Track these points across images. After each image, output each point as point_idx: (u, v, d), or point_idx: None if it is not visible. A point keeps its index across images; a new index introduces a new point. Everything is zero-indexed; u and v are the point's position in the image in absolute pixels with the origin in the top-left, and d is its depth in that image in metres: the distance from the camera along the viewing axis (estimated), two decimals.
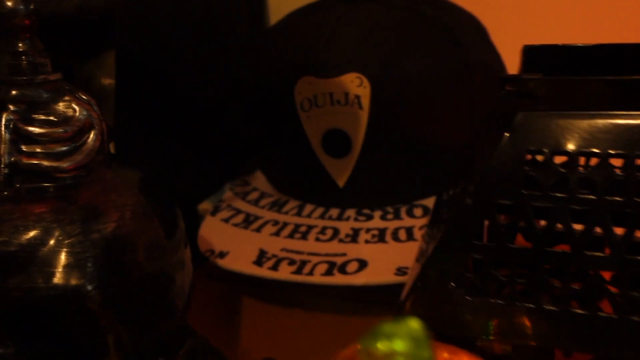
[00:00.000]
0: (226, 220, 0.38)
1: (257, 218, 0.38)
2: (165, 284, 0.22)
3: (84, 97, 0.21)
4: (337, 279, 0.30)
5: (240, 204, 0.40)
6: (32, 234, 0.18)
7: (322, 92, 0.34)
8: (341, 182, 0.36)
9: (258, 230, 0.36)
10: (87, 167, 0.20)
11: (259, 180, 0.43)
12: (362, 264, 0.31)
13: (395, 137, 0.34)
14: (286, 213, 0.38)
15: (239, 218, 0.38)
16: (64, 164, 0.20)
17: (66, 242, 0.18)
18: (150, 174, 0.25)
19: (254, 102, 0.40)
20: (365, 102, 0.33)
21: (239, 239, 0.35)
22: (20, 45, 0.20)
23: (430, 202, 0.35)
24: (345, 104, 0.34)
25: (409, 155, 0.35)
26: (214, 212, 0.39)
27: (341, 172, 0.36)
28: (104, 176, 0.21)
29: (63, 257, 0.18)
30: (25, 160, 0.19)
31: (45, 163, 0.19)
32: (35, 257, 0.18)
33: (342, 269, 0.31)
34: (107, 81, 0.40)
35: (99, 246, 0.19)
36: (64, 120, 0.20)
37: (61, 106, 0.20)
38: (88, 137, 0.20)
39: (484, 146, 0.21)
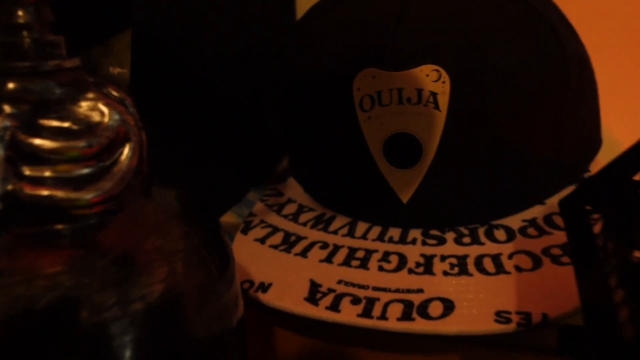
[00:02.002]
0: (262, 241, 0.32)
1: (299, 238, 0.31)
2: (223, 344, 0.16)
3: (115, 93, 0.14)
4: (420, 325, 0.24)
5: (275, 219, 0.33)
6: (41, 308, 0.12)
7: (389, 87, 0.27)
8: (405, 197, 0.29)
9: (303, 254, 0.30)
10: (120, 199, 0.14)
11: (294, 190, 0.36)
12: (448, 305, 0.24)
13: (477, 144, 0.28)
14: (335, 233, 0.31)
15: (277, 238, 0.32)
16: (87, 195, 0.13)
17: (95, 320, 0.12)
18: (186, 190, 0.18)
19: (293, 97, 0.33)
20: (444, 101, 0.27)
21: (281, 265, 0.29)
22: (20, 14, 0.13)
23: (512, 222, 0.29)
24: (418, 102, 0.27)
25: (491, 167, 0.28)
26: (245, 230, 0.33)
27: (406, 185, 0.29)
28: (142, 210, 0.14)
29: (90, 345, 0.12)
30: (28, 190, 0.13)
31: (59, 194, 0.13)
32: (46, 347, 0.11)
33: (423, 312, 0.24)
34: (117, 70, 0.33)
35: (143, 322, 0.12)
36: (87, 128, 0.13)
37: (83, 107, 0.13)
38: (122, 154, 0.14)
39: None
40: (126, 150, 0.13)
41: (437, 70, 0.27)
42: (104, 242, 0.13)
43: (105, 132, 0.13)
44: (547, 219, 0.29)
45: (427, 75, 0.27)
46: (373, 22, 0.28)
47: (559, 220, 0.29)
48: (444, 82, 0.27)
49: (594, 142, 0.34)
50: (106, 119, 0.13)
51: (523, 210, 0.30)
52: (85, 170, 0.13)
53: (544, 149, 0.29)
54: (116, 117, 0.13)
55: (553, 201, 0.30)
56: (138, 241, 0.13)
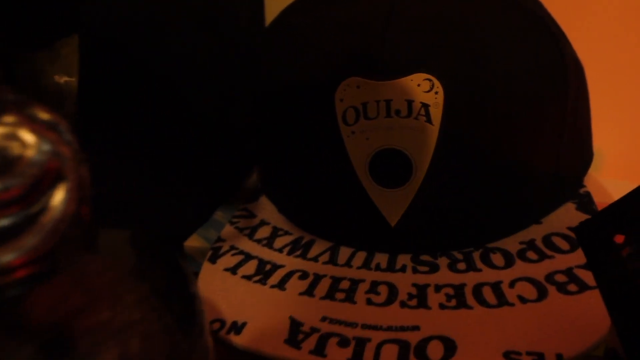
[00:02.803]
0: (232, 270, 0.28)
1: (275, 267, 0.28)
2: None
3: (44, 115, 0.10)
4: None
5: (247, 245, 0.30)
6: None
7: (375, 99, 0.25)
8: (393, 220, 0.27)
9: (281, 286, 0.26)
10: (53, 258, 0.10)
11: (267, 210, 0.33)
12: (449, 346, 0.22)
13: (473, 160, 0.25)
14: (315, 260, 0.28)
15: (251, 267, 0.28)
16: (6, 256, 0.09)
17: None
18: (141, 226, 0.15)
19: (266, 108, 0.30)
20: (436, 113, 0.24)
21: (256, 300, 0.26)
22: None
23: (509, 244, 0.27)
24: (408, 115, 0.25)
25: (488, 185, 0.26)
26: (213, 258, 0.29)
27: (394, 206, 0.26)
28: (84, 271, 0.11)
29: None
30: None
31: None
32: None
33: (422, 354, 0.21)
34: (63, 79, 0.29)
35: None
36: (3, 164, 0.10)
37: None
38: (53, 198, 0.10)
39: None
40: (60, 193, 0.10)
41: (430, 80, 0.24)
42: (31, 320, 0.09)
43: (29, 168, 0.10)
44: (546, 240, 0.27)
45: (419, 85, 0.24)
46: (358, 25, 0.25)
47: (559, 242, 0.26)
48: (436, 93, 0.24)
49: (588, 155, 0.32)
50: (30, 151, 0.10)
51: (519, 231, 0.28)
52: (2, 223, 0.09)
53: (543, 164, 0.27)
54: (45, 148, 0.10)
55: (549, 220, 0.28)
56: (78, 316, 0.10)
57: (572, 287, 0.23)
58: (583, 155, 0.31)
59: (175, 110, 0.30)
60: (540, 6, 0.28)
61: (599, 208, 0.29)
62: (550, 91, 0.25)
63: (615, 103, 0.47)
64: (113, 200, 0.27)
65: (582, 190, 0.30)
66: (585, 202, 0.29)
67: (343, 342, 0.22)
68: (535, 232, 0.27)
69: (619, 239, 0.20)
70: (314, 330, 0.23)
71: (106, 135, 0.29)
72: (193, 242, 0.34)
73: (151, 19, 0.27)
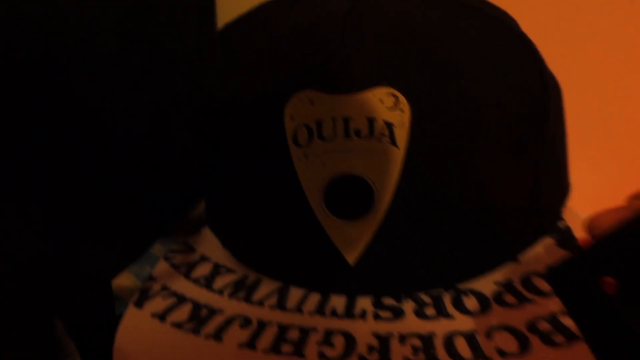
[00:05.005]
0: (161, 317, 0.24)
1: (212, 312, 0.23)
2: None
3: None
4: None
5: (182, 285, 0.26)
6: None
7: (332, 116, 0.21)
8: (351, 256, 0.23)
9: (217, 336, 0.22)
10: None
11: (209, 244, 0.29)
12: None
13: (443, 189, 0.22)
14: (260, 304, 0.24)
15: (183, 312, 0.24)
16: None
17: None
18: None
19: (208, 126, 0.26)
20: (402, 134, 0.21)
21: (186, 354, 0.21)
22: None
23: (484, 286, 0.23)
24: (369, 136, 0.21)
25: (459, 217, 0.23)
26: (140, 301, 0.25)
27: (353, 241, 0.23)
28: None
29: None
30: None
31: None
32: None
33: None
34: None
35: None
36: None
37: None
38: None
39: None
40: None
41: (394, 95, 0.21)
42: None
43: None
44: (525, 281, 0.23)
45: (381, 101, 0.21)
46: (311, 31, 0.22)
47: (540, 283, 0.23)
48: (402, 111, 0.21)
49: (566, 185, 0.29)
50: None
51: (494, 269, 0.24)
52: None
53: (519, 194, 0.24)
54: None
55: (528, 258, 0.25)
56: None
57: (558, 338, 0.20)
58: (560, 185, 0.28)
59: (100, 126, 0.26)
60: (512, 18, 0.26)
61: (581, 244, 0.26)
62: (529, 111, 0.23)
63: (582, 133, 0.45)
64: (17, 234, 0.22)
65: (561, 225, 0.27)
66: (566, 237, 0.26)
67: None
68: (512, 272, 0.24)
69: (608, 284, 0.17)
70: None
71: (16, 159, 0.24)
72: (124, 280, 0.29)
73: (60, 15, 0.22)
